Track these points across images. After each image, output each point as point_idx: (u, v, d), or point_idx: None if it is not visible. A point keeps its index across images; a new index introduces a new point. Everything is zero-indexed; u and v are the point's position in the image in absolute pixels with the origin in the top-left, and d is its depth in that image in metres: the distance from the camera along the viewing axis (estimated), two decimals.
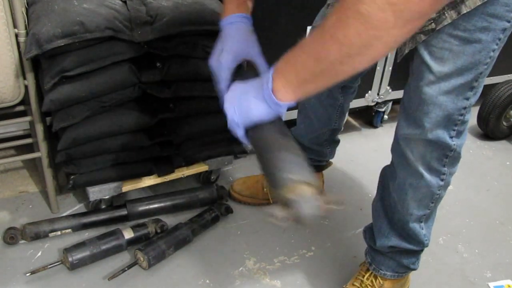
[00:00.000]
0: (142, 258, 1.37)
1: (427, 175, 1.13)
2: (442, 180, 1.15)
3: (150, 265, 1.37)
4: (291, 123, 1.65)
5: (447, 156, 1.11)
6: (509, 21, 0.95)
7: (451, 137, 1.08)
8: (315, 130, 1.52)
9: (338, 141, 1.62)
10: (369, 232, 1.32)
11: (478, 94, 1.05)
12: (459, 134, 1.09)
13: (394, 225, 1.24)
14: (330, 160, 1.68)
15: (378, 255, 1.30)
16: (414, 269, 1.32)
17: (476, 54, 0.98)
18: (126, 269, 1.35)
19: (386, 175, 1.24)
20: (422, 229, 1.23)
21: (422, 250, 1.28)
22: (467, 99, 1.04)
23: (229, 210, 1.60)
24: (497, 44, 0.98)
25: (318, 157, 1.61)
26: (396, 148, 1.16)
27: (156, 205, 1.54)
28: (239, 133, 0.87)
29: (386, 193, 1.24)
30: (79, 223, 1.45)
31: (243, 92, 0.86)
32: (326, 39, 0.71)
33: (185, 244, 1.46)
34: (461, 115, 1.05)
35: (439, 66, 1.00)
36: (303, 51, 0.76)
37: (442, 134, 1.07)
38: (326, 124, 1.51)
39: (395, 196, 1.20)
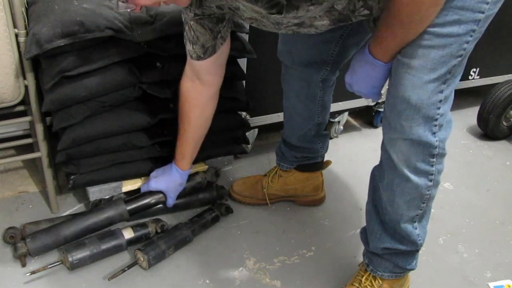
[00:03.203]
0: (142, 258, 1.37)
1: (414, 177, 1.11)
2: (430, 180, 1.12)
3: (150, 265, 1.37)
4: (280, 126, 1.66)
5: (433, 156, 1.09)
6: (482, 12, 0.94)
7: (434, 133, 1.06)
8: (300, 128, 1.52)
9: (327, 135, 1.61)
10: (365, 234, 1.31)
11: (453, 85, 1.04)
12: (441, 127, 1.07)
13: (386, 226, 1.23)
14: (329, 159, 1.68)
15: (375, 257, 1.29)
16: (412, 269, 1.31)
17: (447, 47, 0.97)
18: (126, 269, 1.35)
19: (375, 175, 1.23)
20: (416, 229, 1.21)
21: (417, 251, 1.26)
22: (441, 92, 1.02)
23: (229, 210, 1.60)
24: (471, 36, 0.97)
25: (311, 154, 1.61)
26: (383, 149, 1.15)
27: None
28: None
29: (376, 194, 1.23)
30: None
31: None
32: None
33: (185, 244, 1.46)
34: (438, 108, 1.04)
35: (410, 62, 0.99)
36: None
37: (424, 132, 1.05)
38: (310, 120, 1.51)
39: (384, 197, 1.19)
